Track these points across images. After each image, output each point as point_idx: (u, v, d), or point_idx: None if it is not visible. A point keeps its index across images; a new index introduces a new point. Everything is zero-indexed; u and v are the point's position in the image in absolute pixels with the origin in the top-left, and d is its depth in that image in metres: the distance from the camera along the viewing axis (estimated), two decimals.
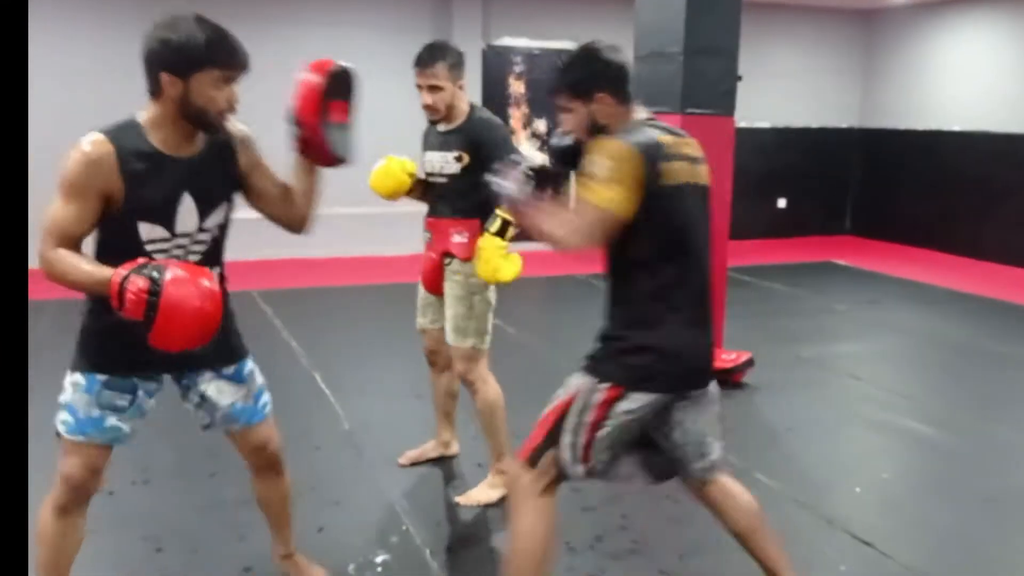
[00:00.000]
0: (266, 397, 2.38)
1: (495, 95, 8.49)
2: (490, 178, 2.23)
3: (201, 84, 1.96)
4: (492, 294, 3.13)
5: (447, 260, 3.11)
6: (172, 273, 1.86)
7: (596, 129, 2.17)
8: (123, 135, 2.00)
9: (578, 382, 2.15)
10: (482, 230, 2.89)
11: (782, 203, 9.97)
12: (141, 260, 1.92)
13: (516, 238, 2.73)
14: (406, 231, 6.40)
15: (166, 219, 2.05)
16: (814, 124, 10.01)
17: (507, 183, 2.17)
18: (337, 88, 2.16)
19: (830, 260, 8.64)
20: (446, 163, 3.06)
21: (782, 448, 3.90)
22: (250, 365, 2.33)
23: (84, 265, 1.94)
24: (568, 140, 2.28)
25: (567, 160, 2.29)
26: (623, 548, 2.92)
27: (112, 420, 2.13)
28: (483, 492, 3.24)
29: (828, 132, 10.09)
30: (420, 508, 3.20)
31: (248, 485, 2.52)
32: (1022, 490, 3.48)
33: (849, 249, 9.31)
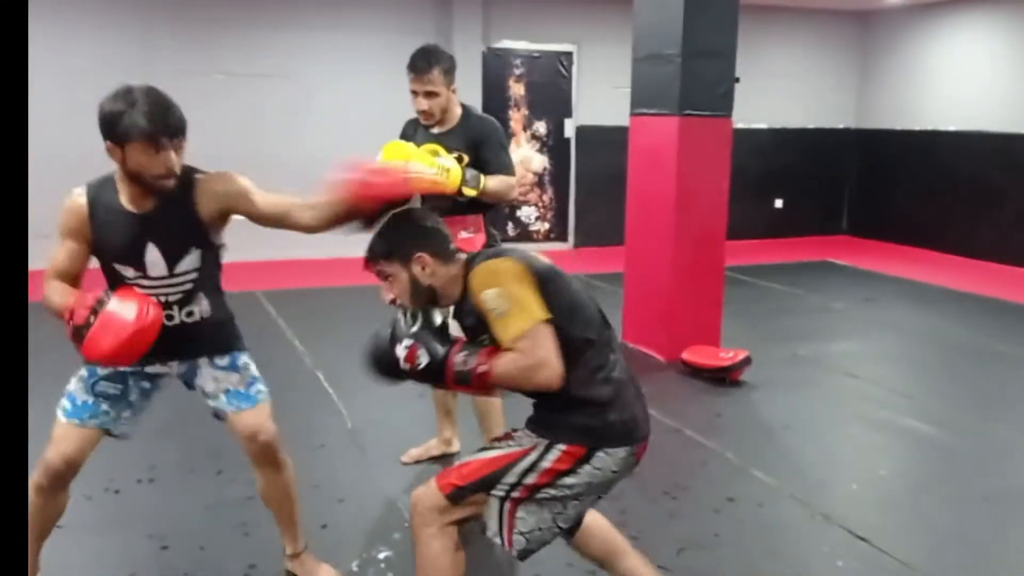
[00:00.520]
0: (260, 387, 2.48)
1: (495, 98, 8.53)
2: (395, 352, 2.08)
3: (134, 152, 2.13)
4: None
5: None
6: (119, 297, 2.17)
7: (422, 291, 2.12)
8: (100, 190, 2.27)
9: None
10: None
11: (779, 203, 10.01)
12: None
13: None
14: None
15: (137, 264, 2.28)
16: (811, 125, 10.06)
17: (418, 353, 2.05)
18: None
19: (827, 259, 8.68)
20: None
21: (779, 445, 3.94)
22: (246, 358, 2.48)
23: (55, 293, 2.25)
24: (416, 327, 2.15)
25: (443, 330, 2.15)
26: None
27: (103, 406, 2.36)
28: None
29: (825, 133, 10.13)
30: None
31: (254, 483, 2.56)
32: (1019, 487, 3.51)
33: (846, 249, 9.35)
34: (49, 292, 2.26)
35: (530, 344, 1.96)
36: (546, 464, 2.05)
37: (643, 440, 2.14)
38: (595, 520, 2.34)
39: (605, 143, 8.51)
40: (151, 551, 2.87)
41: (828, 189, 10.21)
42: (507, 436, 2.16)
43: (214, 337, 2.41)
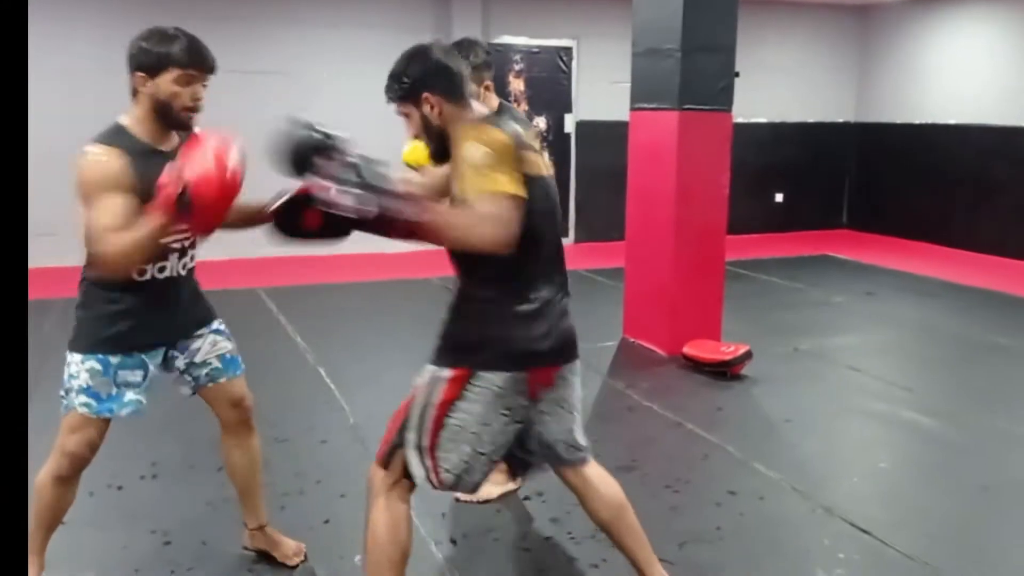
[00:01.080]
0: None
1: (495, 93, 8.51)
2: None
3: (167, 81, 2.21)
4: None
5: None
6: (186, 158, 2.07)
7: (433, 132, 2.08)
8: (117, 139, 2.22)
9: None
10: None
11: (779, 198, 10.02)
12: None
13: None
14: None
15: None
16: (811, 119, 10.06)
17: (338, 189, 1.96)
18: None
19: (827, 253, 8.68)
20: None
21: (781, 439, 3.95)
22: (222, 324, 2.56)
23: (134, 232, 2.09)
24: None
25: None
26: None
27: (130, 395, 2.35)
28: (484, 488, 3.27)
29: (824, 127, 10.13)
30: (424, 501, 3.23)
31: None
32: (1018, 479, 3.52)
33: (846, 242, 9.36)
34: (126, 240, 2.08)
35: (491, 204, 1.88)
36: (436, 399, 2.07)
37: (543, 367, 2.10)
38: (609, 491, 2.31)
39: (605, 138, 8.51)
40: (154, 546, 2.88)
41: (828, 183, 10.22)
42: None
43: (199, 307, 2.48)
